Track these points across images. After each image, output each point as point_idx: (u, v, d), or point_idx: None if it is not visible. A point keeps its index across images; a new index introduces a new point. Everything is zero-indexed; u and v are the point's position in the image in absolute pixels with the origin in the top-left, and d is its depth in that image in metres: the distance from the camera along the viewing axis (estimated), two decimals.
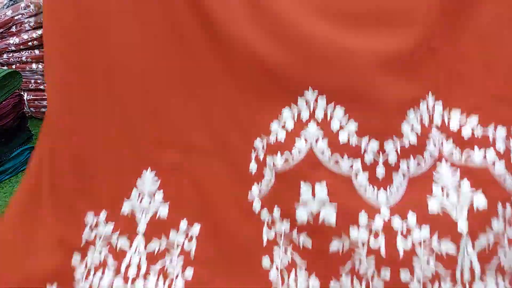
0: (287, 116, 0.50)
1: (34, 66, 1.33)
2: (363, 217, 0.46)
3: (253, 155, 0.52)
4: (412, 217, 0.46)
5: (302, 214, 0.49)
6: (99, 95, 0.57)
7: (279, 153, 0.50)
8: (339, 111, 0.48)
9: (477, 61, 0.50)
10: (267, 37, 0.51)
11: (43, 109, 1.39)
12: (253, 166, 0.52)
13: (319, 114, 0.48)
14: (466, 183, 0.45)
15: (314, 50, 0.50)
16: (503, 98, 0.48)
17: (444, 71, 0.50)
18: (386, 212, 0.47)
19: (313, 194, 0.47)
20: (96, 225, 0.54)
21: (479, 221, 0.44)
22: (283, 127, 0.50)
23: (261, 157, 0.51)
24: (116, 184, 0.55)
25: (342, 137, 0.49)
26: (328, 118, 0.49)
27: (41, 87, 1.35)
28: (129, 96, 0.56)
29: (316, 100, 0.48)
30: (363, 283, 0.44)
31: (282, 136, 0.50)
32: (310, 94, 0.48)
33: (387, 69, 0.49)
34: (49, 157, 0.57)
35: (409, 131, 0.48)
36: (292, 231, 0.49)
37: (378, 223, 0.46)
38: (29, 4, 1.30)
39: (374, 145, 0.48)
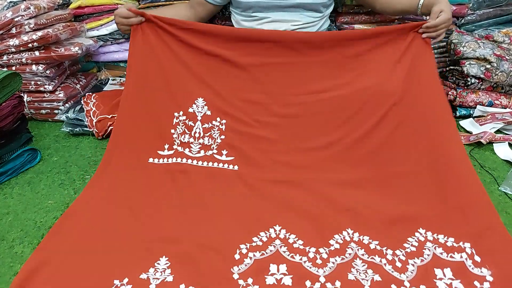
0: (263, 234, 0.88)
1: (34, 67, 1.33)
2: (308, 282, 0.76)
3: (238, 252, 0.83)
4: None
5: (270, 280, 0.77)
6: None
7: (257, 251, 0.82)
8: (293, 236, 0.88)
9: None
10: None
11: (43, 111, 1.44)
12: (236, 256, 0.81)
13: (281, 235, 0.87)
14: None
15: None
16: None
17: None
18: (323, 280, 0.78)
19: (278, 270, 0.79)
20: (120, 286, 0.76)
21: None
22: (261, 240, 0.87)
23: (244, 252, 0.83)
24: (139, 260, 0.80)
25: (294, 245, 0.86)
26: (288, 238, 0.87)
27: (41, 88, 1.38)
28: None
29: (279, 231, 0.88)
30: None
31: (260, 243, 0.86)
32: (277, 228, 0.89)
33: None
34: None
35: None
36: None
37: (317, 286, 0.76)
38: (29, 6, 1.30)
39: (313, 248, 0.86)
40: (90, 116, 1.34)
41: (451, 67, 1.48)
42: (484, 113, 1.45)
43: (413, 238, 0.88)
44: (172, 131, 1.08)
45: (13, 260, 0.85)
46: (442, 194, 0.95)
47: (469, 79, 1.43)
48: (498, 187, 1.09)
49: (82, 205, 0.94)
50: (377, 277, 0.79)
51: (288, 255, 0.84)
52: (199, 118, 1.03)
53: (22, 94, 1.40)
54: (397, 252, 0.85)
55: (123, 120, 1.07)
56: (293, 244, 0.87)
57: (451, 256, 0.84)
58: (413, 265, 0.82)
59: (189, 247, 0.84)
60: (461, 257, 0.84)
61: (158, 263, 0.81)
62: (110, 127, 1.25)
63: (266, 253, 0.84)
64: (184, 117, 1.05)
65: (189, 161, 1.06)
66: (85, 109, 1.39)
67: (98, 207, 0.94)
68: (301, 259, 0.83)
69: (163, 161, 1.06)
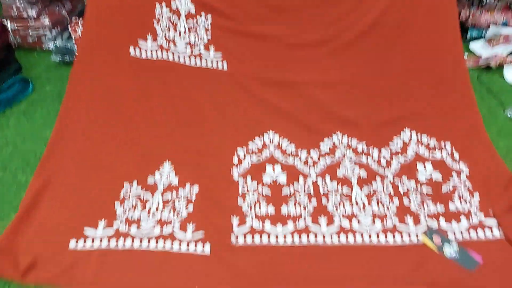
0: (257, 139, 0.95)
1: None
2: (301, 179, 0.87)
3: (236, 155, 0.90)
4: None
5: (267, 179, 0.85)
6: None
7: (254, 155, 0.91)
8: (285, 142, 0.94)
9: None
10: None
11: (29, 39, 1.40)
12: (235, 160, 0.89)
13: (275, 140, 0.93)
14: None
15: None
16: None
17: None
18: (314, 178, 0.87)
19: (273, 170, 0.88)
20: (130, 189, 0.84)
21: None
22: (256, 144, 0.94)
23: (242, 156, 0.91)
24: (146, 165, 0.87)
25: (288, 150, 0.93)
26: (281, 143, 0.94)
27: (24, 14, 1.33)
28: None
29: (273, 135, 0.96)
30: (301, 207, 0.82)
31: (256, 147, 0.93)
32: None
33: None
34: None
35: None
36: (258, 187, 0.84)
37: (309, 182, 0.87)
38: None
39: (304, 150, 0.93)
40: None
41: None
42: (496, 34, 1.42)
43: (398, 137, 0.96)
44: (156, 24, 0.98)
45: (18, 188, 0.87)
46: (430, 97, 0.99)
47: None
48: (503, 112, 1.08)
49: (72, 119, 0.93)
50: (363, 173, 0.89)
51: (282, 158, 0.92)
52: (182, 14, 0.97)
53: (5, 22, 1.35)
54: (383, 150, 0.93)
55: (95, 13, 0.96)
56: (286, 149, 0.94)
57: (432, 154, 0.93)
58: (397, 161, 0.91)
59: (190, 153, 0.92)
60: (441, 155, 0.92)
61: (163, 167, 0.90)
62: None
63: (262, 157, 0.92)
64: (168, 10, 0.96)
65: (176, 58, 0.98)
66: (73, 37, 1.35)
67: (88, 118, 0.94)
68: (294, 161, 0.92)
69: (147, 56, 0.98)
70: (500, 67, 1.27)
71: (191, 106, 0.97)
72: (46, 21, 1.40)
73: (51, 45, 1.39)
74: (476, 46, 1.40)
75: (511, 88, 1.18)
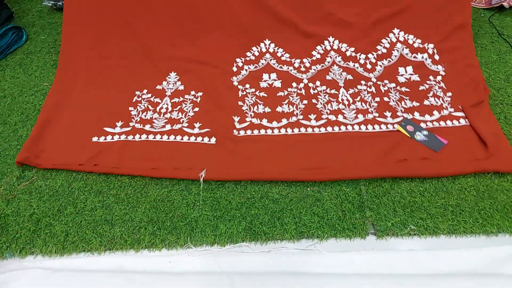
0: (255, 49, 1.03)
1: None
2: (294, 83, 0.97)
3: (235, 64, 1.00)
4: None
5: (263, 84, 0.95)
6: None
7: (251, 64, 1.00)
8: (281, 50, 1.04)
9: None
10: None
11: None
12: (234, 69, 0.99)
13: (271, 49, 1.02)
14: None
15: None
16: None
17: None
18: (306, 82, 0.98)
19: (269, 77, 0.97)
20: (142, 95, 0.96)
21: None
22: (253, 54, 1.02)
23: (240, 65, 1.00)
24: (153, 76, 0.99)
25: (282, 58, 1.03)
26: (277, 52, 1.03)
27: None
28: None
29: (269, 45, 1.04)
30: (294, 106, 0.93)
31: (253, 56, 1.02)
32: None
33: None
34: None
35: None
36: (256, 91, 0.95)
37: (301, 85, 0.99)
38: None
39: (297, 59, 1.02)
40: None
41: None
42: None
43: (387, 40, 1.05)
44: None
45: (20, 143, 0.90)
46: None
47: None
48: None
49: (77, 40, 1.03)
50: (349, 77, 1.00)
51: (277, 66, 1.04)
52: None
53: None
54: (369, 55, 1.04)
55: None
56: (281, 57, 1.05)
57: (414, 57, 1.03)
58: (381, 66, 1.03)
59: (192, 64, 1.02)
60: (423, 57, 1.02)
61: (169, 77, 1.02)
62: None
63: (259, 65, 1.04)
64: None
65: None
66: None
67: (95, 37, 1.04)
68: (288, 68, 1.03)
69: None
70: None
71: (191, 16, 1.05)
72: None
73: None
74: None
75: None
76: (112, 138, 0.87)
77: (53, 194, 0.80)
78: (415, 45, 1.04)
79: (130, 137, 0.87)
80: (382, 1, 1.04)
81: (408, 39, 1.05)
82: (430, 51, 1.02)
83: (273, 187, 0.79)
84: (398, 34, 1.05)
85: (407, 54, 1.03)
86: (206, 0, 1.04)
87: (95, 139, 0.87)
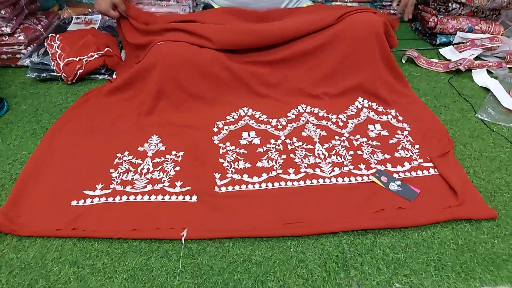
0: (234, 114, 1.16)
1: None
2: (272, 140, 1.06)
3: (215, 126, 1.11)
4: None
5: (243, 142, 1.06)
6: None
7: (231, 125, 1.11)
8: (259, 113, 1.16)
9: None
10: None
11: (3, 56, 1.42)
12: (214, 129, 1.09)
13: (249, 113, 1.16)
14: None
15: None
16: None
17: None
18: (283, 138, 1.08)
19: (249, 135, 1.07)
20: (122, 157, 1.03)
21: None
22: (233, 117, 1.15)
23: (220, 126, 1.11)
24: (135, 139, 1.06)
25: (260, 118, 1.15)
26: (255, 114, 1.16)
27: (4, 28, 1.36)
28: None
29: (247, 110, 1.18)
30: (273, 161, 1.00)
31: (232, 119, 1.14)
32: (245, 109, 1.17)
33: None
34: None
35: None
36: (236, 148, 1.02)
37: (279, 142, 1.07)
38: None
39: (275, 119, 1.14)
40: (56, 59, 1.31)
41: None
42: (464, 39, 1.52)
43: (353, 106, 1.20)
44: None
45: None
46: (376, 73, 1.22)
47: (450, 4, 1.51)
48: (475, 114, 1.17)
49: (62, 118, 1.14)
50: (323, 133, 1.10)
51: (256, 125, 1.13)
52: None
53: None
54: (340, 116, 1.17)
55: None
56: (259, 118, 1.16)
57: (380, 117, 1.17)
58: (351, 123, 1.14)
59: (174, 128, 1.11)
60: (388, 118, 1.17)
61: (151, 139, 1.08)
62: (80, 71, 1.30)
63: (238, 125, 1.13)
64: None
65: None
66: (50, 52, 1.33)
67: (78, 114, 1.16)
68: (266, 127, 1.13)
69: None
70: (469, 70, 1.37)
71: (177, 87, 1.16)
72: (21, 37, 1.39)
73: (26, 62, 1.35)
74: (445, 51, 1.51)
75: (480, 90, 1.29)
76: (92, 201, 0.88)
77: (24, 268, 0.77)
78: (379, 109, 1.19)
79: (110, 199, 0.89)
80: (343, 81, 1.22)
81: (372, 105, 1.20)
82: (394, 114, 1.17)
83: (256, 249, 0.81)
84: (363, 101, 1.21)
85: (373, 116, 1.17)
86: (190, 74, 1.16)
87: (74, 203, 0.88)
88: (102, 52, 1.38)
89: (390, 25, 1.22)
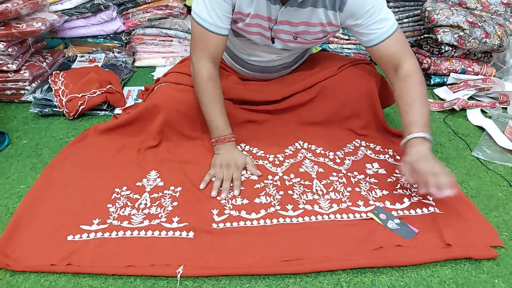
0: None
1: None
2: (270, 176, 1.09)
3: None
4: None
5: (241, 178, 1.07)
6: None
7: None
8: (256, 149, 1.21)
9: None
10: None
11: (8, 92, 1.47)
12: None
13: (246, 148, 1.22)
14: None
15: None
16: None
17: None
18: (281, 174, 1.11)
19: (246, 172, 1.11)
20: (120, 192, 1.06)
21: None
22: None
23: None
24: (134, 175, 1.10)
25: (257, 154, 1.20)
26: (252, 149, 1.21)
27: (4, 68, 1.41)
28: None
29: (245, 146, 1.23)
30: (271, 197, 1.02)
31: None
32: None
33: None
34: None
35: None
36: (231, 191, 1.04)
37: (276, 178, 1.10)
38: None
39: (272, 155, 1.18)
40: (59, 95, 1.37)
41: (426, 35, 1.65)
42: (457, 80, 1.59)
43: (351, 144, 1.26)
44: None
45: None
46: (369, 119, 1.27)
47: (443, 46, 1.58)
48: (470, 152, 1.21)
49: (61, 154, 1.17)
50: (321, 170, 1.14)
51: (253, 160, 1.17)
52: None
53: None
54: (337, 152, 1.21)
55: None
56: (256, 153, 1.21)
57: (377, 156, 1.21)
58: (349, 160, 1.19)
59: (173, 164, 1.15)
60: (385, 157, 1.21)
61: (149, 175, 1.12)
62: (82, 107, 1.36)
63: None
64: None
65: None
66: (53, 89, 1.40)
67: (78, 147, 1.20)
68: (263, 162, 1.17)
69: None
70: (463, 110, 1.42)
71: (176, 128, 1.22)
72: (26, 74, 1.44)
73: (30, 97, 1.41)
74: (440, 92, 1.56)
75: (475, 129, 1.33)
76: (88, 236, 0.90)
77: None
78: (377, 148, 1.24)
79: (106, 234, 0.91)
80: (340, 125, 1.28)
81: (369, 145, 1.26)
82: (391, 153, 1.22)
83: (253, 287, 0.81)
84: (360, 142, 1.27)
85: (371, 154, 1.22)
86: (191, 117, 1.21)
87: (70, 237, 0.89)
88: (105, 89, 1.45)
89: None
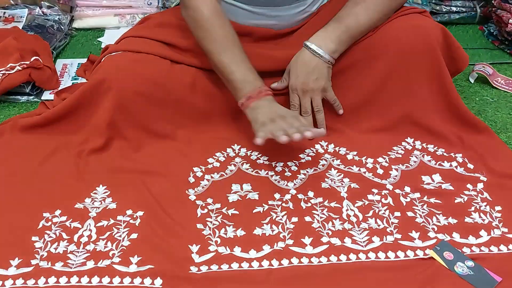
0: (219, 155, 1.23)
1: None
2: (277, 195, 1.09)
3: (192, 174, 1.15)
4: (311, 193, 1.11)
5: (233, 197, 1.07)
6: None
7: (215, 172, 1.16)
8: (256, 153, 1.23)
9: None
10: None
11: None
12: (191, 179, 1.13)
13: (241, 153, 1.22)
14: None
15: None
16: None
17: None
18: (294, 192, 1.10)
19: (241, 188, 1.11)
20: (51, 218, 1.05)
21: None
22: (218, 160, 1.21)
23: (199, 174, 1.16)
24: (71, 191, 1.10)
25: (258, 161, 1.21)
26: (250, 155, 1.22)
27: None
28: None
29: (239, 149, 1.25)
30: (279, 226, 1.01)
31: (217, 164, 1.20)
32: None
33: None
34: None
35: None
36: (223, 208, 1.06)
37: (287, 197, 1.10)
38: None
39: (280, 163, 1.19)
40: None
41: None
42: None
43: (399, 147, 1.25)
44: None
45: None
46: (436, 101, 1.27)
47: None
48: None
49: None
50: (354, 185, 1.14)
51: (252, 171, 1.17)
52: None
53: None
54: (379, 159, 1.21)
55: None
56: (257, 161, 1.20)
57: (440, 164, 1.21)
58: (396, 170, 1.19)
59: (130, 176, 1.14)
60: (451, 165, 1.21)
61: (95, 192, 1.11)
62: None
63: (226, 173, 1.17)
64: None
65: None
66: None
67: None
68: (267, 174, 1.16)
69: None
70: None
71: (135, 120, 1.23)
72: None
73: None
74: None
75: None
76: (3, 285, 0.89)
77: None
78: (438, 152, 1.24)
79: (31, 282, 0.89)
80: (387, 106, 1.29)
81: (427, 147, 1.26)
82: (460, 160, 1.22)
83: None
84: (413, 143, 1.27)
85: (429, 161, 1.22)
86: (157, 102, 1.22)
87: None
88: (28, 63, 1.45)
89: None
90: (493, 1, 1.84)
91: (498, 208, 1.06)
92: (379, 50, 1.25)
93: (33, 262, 0.93)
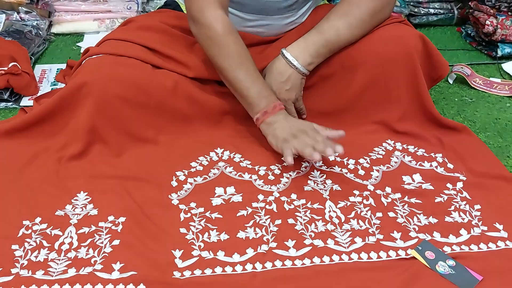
0: (202, 159, 1.23)
1: None
2: (260, 196, 1.10)
3: (174, 178, 1.16)
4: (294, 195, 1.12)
5: (217, 201, 1.08)
6: None
7: (198, 176, 1.17)
8: (239, 156, 1.23)
9: None
10: None
11: None
12: (173, 183, 1.14)
13: (225, 157, 1.23)
14: None
15: None
16: None
17: None
18: (277, 195, 1.12)
19: (225, 192, 1.12)
20: (32, 226, 1.04)
21: None
22: (201, 164, 1.21)
23: (182, 178, 1.16)
24: (51, 198, 1.10)
25: (241, 164, 1.21)
26: (233, 157, 1.23)
27: None
28: None
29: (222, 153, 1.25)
30: (263, 229, 1.02)
31: (200, 168, 1.20)
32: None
33: None
34: None
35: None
36: (206, 212, 1.07)
37: (270, 199, 1.11)
38: None
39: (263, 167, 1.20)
40: None
41: None
42: None
43: (380, 148, 1.28)
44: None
45: None
46: (413, 110, 1.31)
47: None
48: None
49: None
50: (336, 186, 1.15)
51: (235, 174, 1.18)
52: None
53: None
54: (360, 160, 1.23)
55: None
56: (240, 163, 1.21)
57: (420, 164, 1.23)
58: (377, 170, 1.20)
59: (112, 181, 1.14)
60: (431, 165, 1.23)
61: (76, 199, 1.11)
62: None
63: (209, 176, 1.17)
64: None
65: None
66: None
67: None
68: (250, 177, 1.17)
69: None
70: None
71: (117, 124, 1.22)
72: None
73: None
74: (510, 67, 1.62)
75: None
76: None
77: None
78: (419, 153, 1.27)
79: None
80: (366, 113, 1.32)
81: (408, 148, 1.28)
82: (440, 160, 1.24)
83: None
84: (394, 144, 1.29)
85: (410, 161, 1.24)
86: (139, 107, 1.21)
87: None
88: (6, 69, 1.44)
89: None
90: (470, 3, 1.87)
91: (477, 206, 1.08)
92: (359, 60, 1.26)
93: (13, 271, 0.92)
